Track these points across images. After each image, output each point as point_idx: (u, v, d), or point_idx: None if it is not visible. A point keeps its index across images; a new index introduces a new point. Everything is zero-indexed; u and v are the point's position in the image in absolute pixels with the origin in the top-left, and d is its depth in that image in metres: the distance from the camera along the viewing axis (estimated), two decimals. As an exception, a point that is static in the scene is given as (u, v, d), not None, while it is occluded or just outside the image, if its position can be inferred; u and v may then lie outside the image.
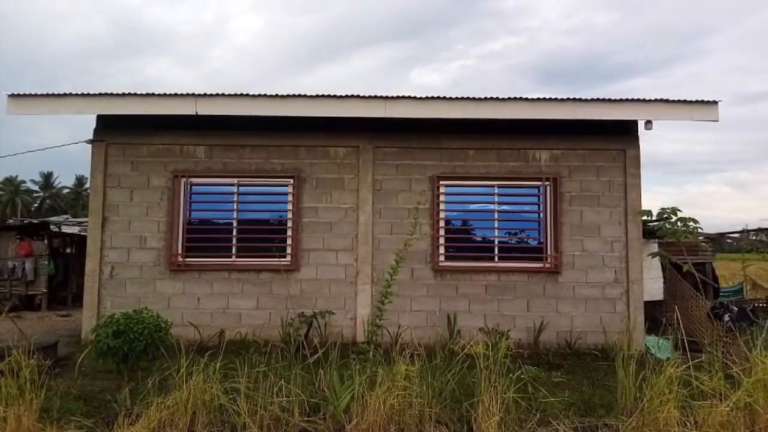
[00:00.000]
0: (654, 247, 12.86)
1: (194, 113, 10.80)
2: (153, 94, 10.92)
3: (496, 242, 11.89)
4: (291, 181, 11.69)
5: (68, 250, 19.92)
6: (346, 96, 10.88)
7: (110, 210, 11.57)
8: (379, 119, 11.06)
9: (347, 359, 7.20)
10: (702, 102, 10.87)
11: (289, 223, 11.71)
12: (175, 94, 10.90)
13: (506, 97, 10.86)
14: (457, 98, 10.91)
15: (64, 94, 11.07)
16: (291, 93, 10.93)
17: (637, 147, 11.63)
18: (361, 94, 10.90)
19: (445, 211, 11.84)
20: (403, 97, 10.88)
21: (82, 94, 11.00)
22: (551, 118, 11.01)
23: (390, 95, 10.87)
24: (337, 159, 11.70)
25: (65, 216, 29.44)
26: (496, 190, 11.84)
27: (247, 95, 10.89)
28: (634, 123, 11.54)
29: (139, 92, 10.96)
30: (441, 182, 11.69)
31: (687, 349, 7.16)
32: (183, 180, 11.69)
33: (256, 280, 11.53)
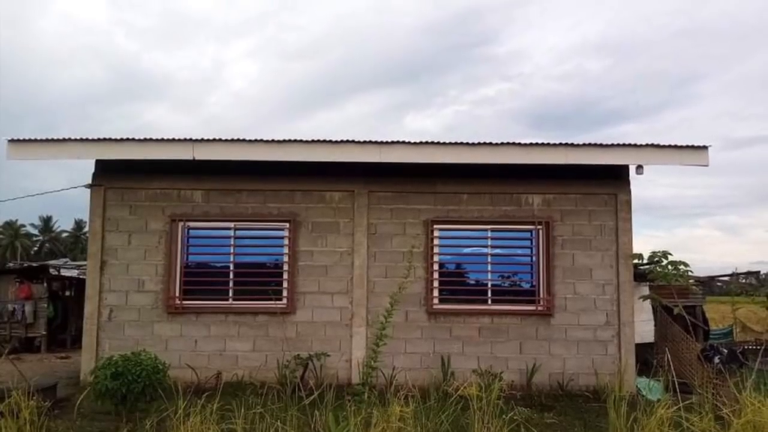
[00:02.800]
0: (645, 290, 13.00)
1: (191, 158, 10.98)
2: (150, 139, 11.07)
3: (489, 285, 12.03)
4: (287, 225, 11.84)
5: (67, 293, 20.01)
6: (341, 141, 11.07)
7: (109, 253, 11.70)
8: (373, 164, 11.25)
9: (342, 401, 7.28)
10: (692, 147, 11.03)
11: (285, 267, 11.83)
12: (173, 139, 11.07)
13: (499, 142, 11.06)
14: (450, 143, 11.12)
15: (63, 140, 11.20)
16: (287, 138, 11.10)
17: (629, 191, 11.83)
18: (355, 139, 11.09)
19: (439, 254, 11.98)
20: (398, 143, 11.08)
21: (81, 139, 11.15)
22: (543, 162, 11.22)
23: (384, 140, 11.06)
24: (333, 203, 11.88)
25: (64, 259, 29.52)
26: (490, 234, 12.01)
27: (244, 140, 11.06)
28: (626, 168, 11.76)
29: (136, 137, 11.11)
30: (435, 226, 11.86)
31: (677, 390, 7.27)
32: (180, 224, 11.83)
33: (252, 322, 11.63)
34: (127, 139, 11.12)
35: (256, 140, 11.07)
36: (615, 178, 11.85)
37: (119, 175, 11.83)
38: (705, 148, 11.03)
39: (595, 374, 11.32)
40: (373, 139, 11.08)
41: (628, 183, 11.87)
